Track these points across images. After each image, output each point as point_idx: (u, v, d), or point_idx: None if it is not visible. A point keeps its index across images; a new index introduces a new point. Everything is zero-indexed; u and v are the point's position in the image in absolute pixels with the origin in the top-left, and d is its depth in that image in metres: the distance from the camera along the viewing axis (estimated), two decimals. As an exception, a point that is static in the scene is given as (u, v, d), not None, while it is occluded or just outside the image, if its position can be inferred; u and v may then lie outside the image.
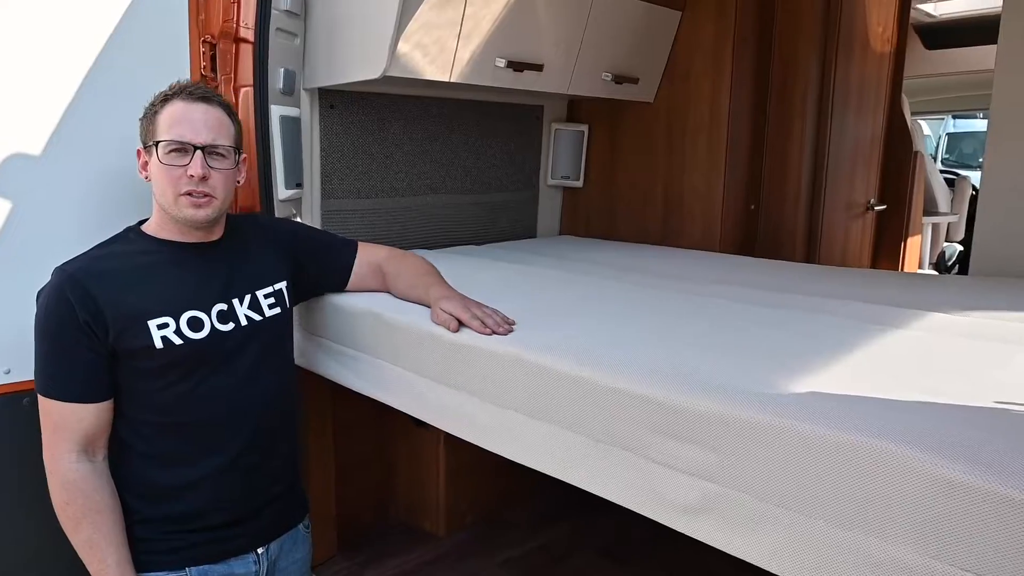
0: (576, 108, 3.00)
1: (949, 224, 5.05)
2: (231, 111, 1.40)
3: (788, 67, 2.78)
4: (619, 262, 2.34)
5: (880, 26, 3.14)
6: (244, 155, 1.44)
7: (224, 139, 1.35)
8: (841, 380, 1.14)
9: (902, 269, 3.49)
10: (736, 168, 2.70)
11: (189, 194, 1.31)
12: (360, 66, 1.95)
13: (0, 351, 1.59)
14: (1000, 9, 2.21)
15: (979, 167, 4.83)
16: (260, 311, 1.45)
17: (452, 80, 2.12)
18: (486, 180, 2.74)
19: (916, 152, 3.44)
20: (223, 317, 1.39)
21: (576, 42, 2.41)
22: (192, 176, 1.30)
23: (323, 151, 2.24)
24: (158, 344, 1.30)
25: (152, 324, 1.30)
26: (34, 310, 1.33)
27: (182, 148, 1.30)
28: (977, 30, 4.09)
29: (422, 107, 2.47)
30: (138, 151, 1.38)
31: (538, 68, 2.32)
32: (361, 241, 1.74)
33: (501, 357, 1.33)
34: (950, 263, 5.05)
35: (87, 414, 1.29)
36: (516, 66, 2.25)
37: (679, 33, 2.69)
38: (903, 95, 3.42)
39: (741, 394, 1.05)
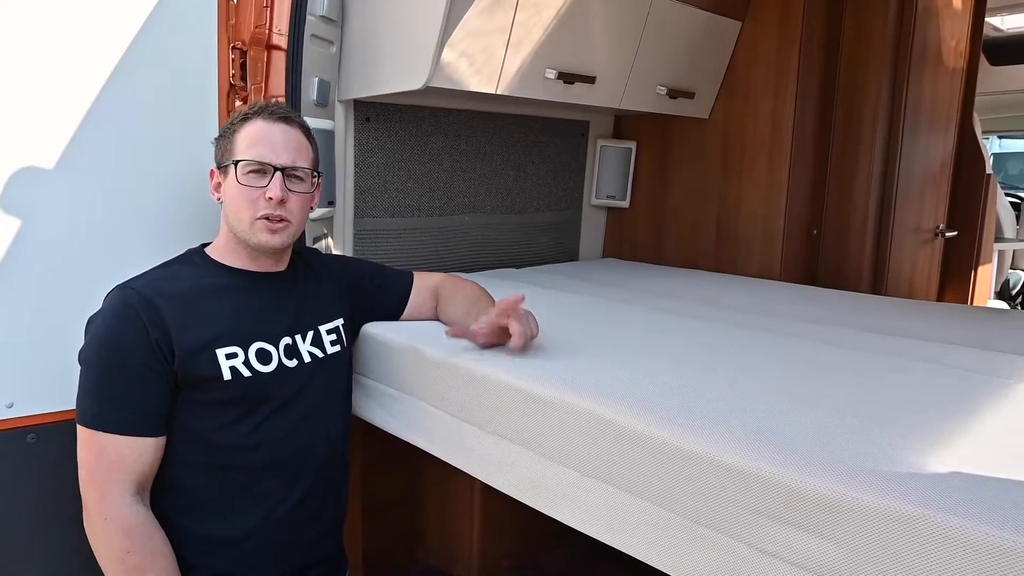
0: (623, 124, 2.83)
1: (1015, 251, 4.75)
2: (310, 133, 1.35)
3: (856, 82, 2.57)
4: (673, 290, 2.16)
5: (954, 40, 2.92)
6: (320, 179, 1.36)
7: (304, 161, 1.29)
8: (984, 455, 0.94)
9: (972, 299, 3.24)
10: (799, 190, 2.50)
11: (266, 218, 1.24)
12: (400, 76, 1.80)
13: (2, 382, 1.45)
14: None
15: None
16: (323, 348, 1.37)
17: (498, 92, 1.96)
18: (527, 199, 2.58)
19: (989, 175, 3.19)
20: (288, 352, 1.31)
21: (631, 53, 2.24)
22: (270, 199, 1.23)
23: (357, 167, 2.08)
24: (226, 375, 1.21)
25: (220, 353, 1.21)
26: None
27: (261, 169, 1.24)
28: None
29: (461, 121, 2.32)
30: (211, 171, 1.32)
31: (590, 80, 2.15)
32: (415, 271, 1.64)
33: (567, 408, 1.14)
34: (1015, 291, 4.74)
35: (148, 450, 1.17)
36: (567, 78, 2.08)
37: (738, 44, 2.51)
38: (975, 114, 3.19)
39: (867, 474, 0.86)
